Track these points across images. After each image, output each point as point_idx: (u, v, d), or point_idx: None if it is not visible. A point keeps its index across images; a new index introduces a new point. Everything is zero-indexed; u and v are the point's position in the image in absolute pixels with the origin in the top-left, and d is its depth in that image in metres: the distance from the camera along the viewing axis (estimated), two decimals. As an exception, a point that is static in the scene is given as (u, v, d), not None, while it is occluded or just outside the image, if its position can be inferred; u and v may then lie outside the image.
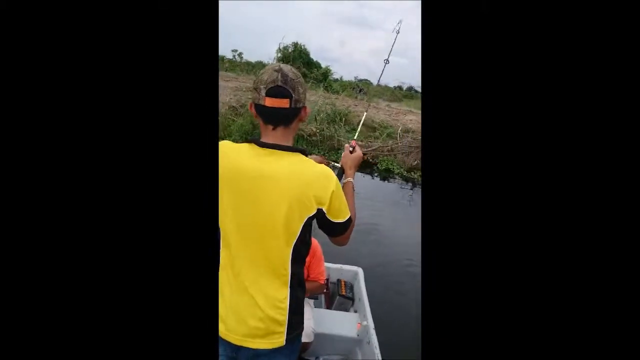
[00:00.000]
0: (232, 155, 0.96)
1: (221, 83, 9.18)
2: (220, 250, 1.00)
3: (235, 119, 6.98)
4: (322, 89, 9.01)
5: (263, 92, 0.92)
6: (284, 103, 0.94)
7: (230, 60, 13.48)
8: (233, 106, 7.67)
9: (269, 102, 0.93)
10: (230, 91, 9.62)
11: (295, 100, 0.95)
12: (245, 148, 0.98)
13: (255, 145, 0.96)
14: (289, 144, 0.98)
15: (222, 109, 7.44)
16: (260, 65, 12.21)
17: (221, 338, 0.98)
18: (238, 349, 0.98)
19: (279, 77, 0.92)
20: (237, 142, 1.00)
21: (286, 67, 0.96)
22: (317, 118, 7.08)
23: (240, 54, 13.45)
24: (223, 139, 1.03)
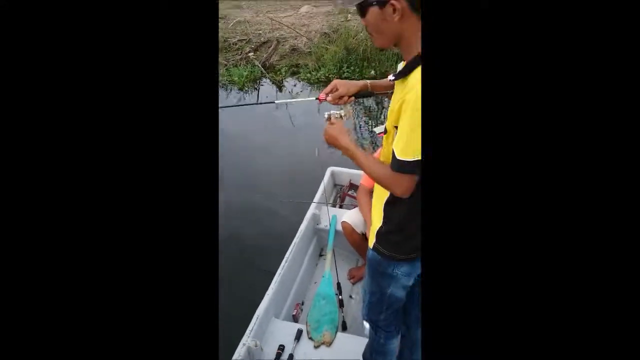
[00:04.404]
0: None
1: (313, 10, 7.00)
2: None
3: (328, 46, 6.69)
4: None
5: None
6: None
7: (325, -16, 7.85)
8: (325, 32, 7.33)
9: None
10: (323, 17, 8.39)
11: None
12: None
13: None
14: None
15: (315, 38, 7.28)
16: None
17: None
18: None
19: None
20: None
21: None
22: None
23: (329, -30, 7.54)
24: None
